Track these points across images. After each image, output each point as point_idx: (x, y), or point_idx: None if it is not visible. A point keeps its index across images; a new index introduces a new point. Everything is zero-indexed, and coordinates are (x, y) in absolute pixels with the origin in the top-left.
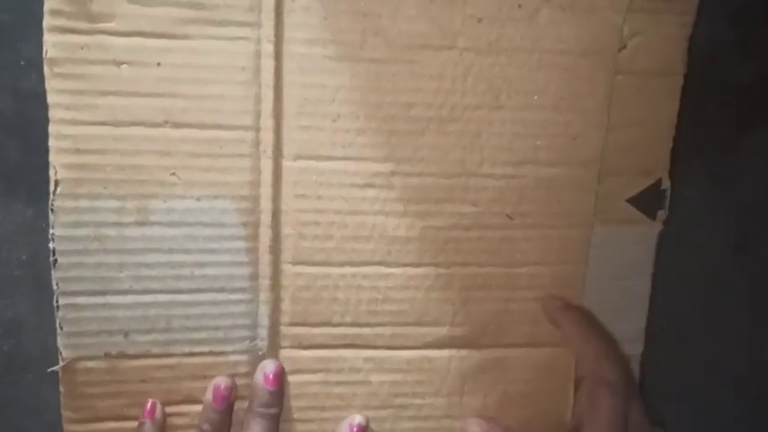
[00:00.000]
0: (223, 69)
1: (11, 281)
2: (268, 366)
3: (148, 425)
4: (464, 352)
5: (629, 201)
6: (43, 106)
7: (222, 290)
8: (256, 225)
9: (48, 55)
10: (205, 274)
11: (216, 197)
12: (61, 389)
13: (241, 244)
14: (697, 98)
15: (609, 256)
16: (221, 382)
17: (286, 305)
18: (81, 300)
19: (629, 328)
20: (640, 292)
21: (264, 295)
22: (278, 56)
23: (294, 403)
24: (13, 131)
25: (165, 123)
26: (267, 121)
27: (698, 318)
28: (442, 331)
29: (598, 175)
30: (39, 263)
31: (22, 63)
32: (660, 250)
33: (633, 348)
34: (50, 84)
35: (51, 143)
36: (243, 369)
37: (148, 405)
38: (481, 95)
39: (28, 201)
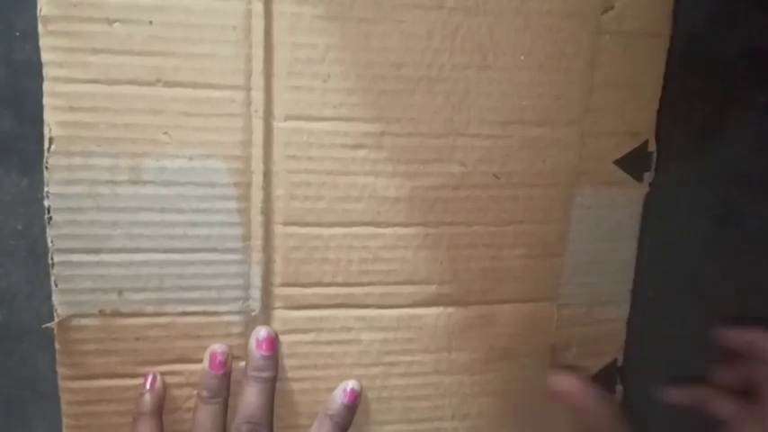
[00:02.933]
0: (214, 28)
1: (5, 251)
2: (260, 332)
3: (147, 397)
4: (452, 309)
5: (617, 162)
6: (37, 77)
7: (214, 250)
8: (248, 186)
9: (41, 13)
10: (197, 234)
11: (208, 157)
12: (57, 346)
13: (233, 204)
14: (682, 71)
15: (597, 217)
16: (218, 349)
17: (278, 266)
18: (75, 257)
19: (616, 291)
20: (627, 254)
21: (256, 256)
22: (268, 15)
23: (287, 362)
24: (7, 102)
25: (157, 82)
26: (257, 81)
27: (683, 288)
28: (431, 289)
29: (581, 134)
30: (33, 233)
31: (17, 34)
32: (646, 220)
33: (620, 310)
34: (44, 42)
35: (45, 101)
36: (236, 329)
37: (149, 378)
38: (469, 55)
39: (22, 171)
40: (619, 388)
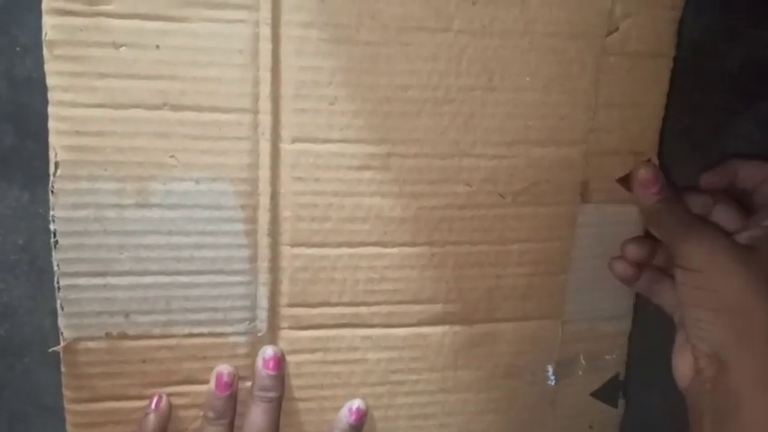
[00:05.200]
0: (221, 52)
1: (7, 265)
2: (267, 351)
3: (152, 417)
4: (457, 328)
5: (620, 181)
6: (39, 92)
7: (221, 272)
8: (255, 208)
9: (47, 37)
10: (204, 256)
11: (214, 180)
12: (63, 369)
13: (240, 226)
14: (685, 85)
15: (600, 235)
16: (224, 370)
17: (285, 287)
18: (82, 281)
19: (619, 306)
20: None
21: (263, 277)
22: (275, 39)
23: (294, 382)
24: (9, 117)
25: (163, 106)
26: (265, 104)
27: None
28: (437, 308)
29: (585, 154)
30: (35, 247)
31: (18, 49)
32: (650, 232)
33: (622, 325)
34: (50, 66)
35: (51, 125)
36: (242, 350)
37: (155, 398)
38: (475, 77)
39: (24, 185)
40: (621, 402)
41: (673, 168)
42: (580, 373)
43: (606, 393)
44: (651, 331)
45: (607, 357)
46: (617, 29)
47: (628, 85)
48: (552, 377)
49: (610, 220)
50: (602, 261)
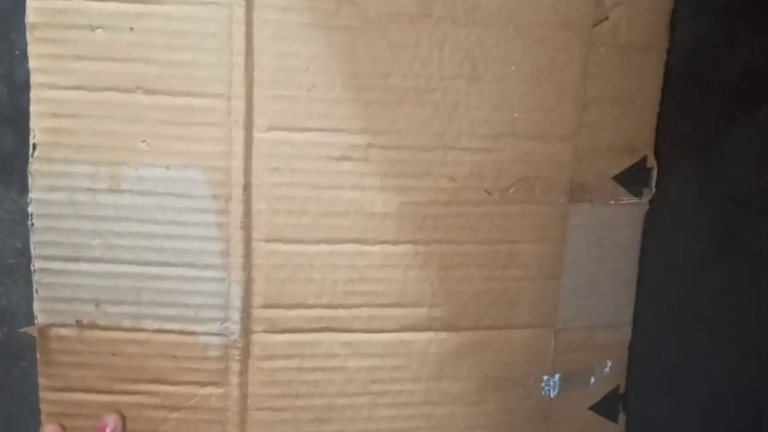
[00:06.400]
0: (195, 35)
1: (5, 269)
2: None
3: None
4: (443, 335)
5: (615, 178)
6: None
7: (192, 265)
8: (228, 198)
9: (29, 20)
10: (175, 248)
11: (186, 167)
12: (38, 355)
13: (212, 218)
14: (685, 92)
15: (596, 236)
16: (110, 421)
17: (259, 285)
18: (55, 265)
19: (618, 314)
20: (628, 274)
21: (236, 274)
22: (249, 21)
23: (267, 391)
24: (8, 121)
25: (136, 89)
26: (238, 90)
27: (683, 308)
28: (421, 312)
29: (576, 149)
30: None
31: (17, 53)
32: (646, 240)
33: (622, 334)
34: (31, 48)
35: (32, 107)
36: (214, 353)
37: (111, 424)
38: (458, 65)
39: (22, 189)
40: (622, 416)
41: (672, 175)
42: (577, 385)
43: (605, 407)
44: (652, 341)
45: (606, 369)
46: (606, 18)
47: (620, 78)
48: (546, 390)
49: (606, 222)
50: (599, 265)
